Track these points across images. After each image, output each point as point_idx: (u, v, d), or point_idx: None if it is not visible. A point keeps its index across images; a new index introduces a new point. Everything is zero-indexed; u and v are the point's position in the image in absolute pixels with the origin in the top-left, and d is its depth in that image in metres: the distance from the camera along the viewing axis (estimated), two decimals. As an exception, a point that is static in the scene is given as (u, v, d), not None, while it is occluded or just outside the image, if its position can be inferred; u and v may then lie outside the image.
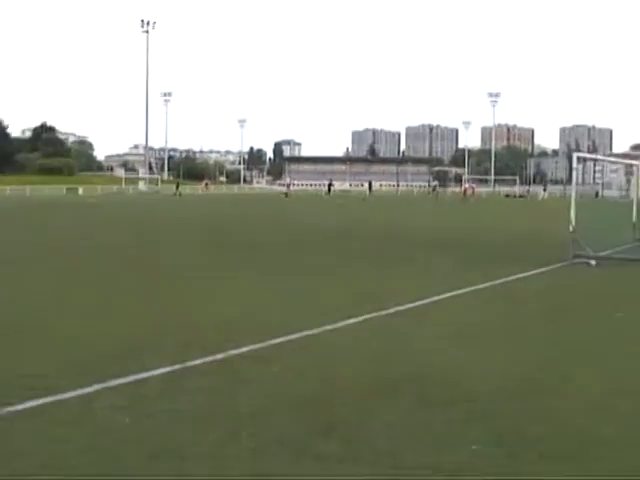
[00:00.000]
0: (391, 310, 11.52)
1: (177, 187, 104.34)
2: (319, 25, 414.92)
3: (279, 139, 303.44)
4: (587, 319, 11.63)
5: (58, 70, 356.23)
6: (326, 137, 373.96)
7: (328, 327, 10.14)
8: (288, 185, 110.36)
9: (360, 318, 10.80)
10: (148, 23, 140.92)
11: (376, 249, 23.03)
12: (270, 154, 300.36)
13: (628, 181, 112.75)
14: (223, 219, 40.24)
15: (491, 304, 12.81)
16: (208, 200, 76.02)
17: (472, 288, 14.10)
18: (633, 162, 28.63)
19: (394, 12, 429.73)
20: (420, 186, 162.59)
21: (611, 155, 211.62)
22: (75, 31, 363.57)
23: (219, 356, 8.44)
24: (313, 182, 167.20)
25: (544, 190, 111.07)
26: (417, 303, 12.28)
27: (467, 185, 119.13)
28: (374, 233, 29.93)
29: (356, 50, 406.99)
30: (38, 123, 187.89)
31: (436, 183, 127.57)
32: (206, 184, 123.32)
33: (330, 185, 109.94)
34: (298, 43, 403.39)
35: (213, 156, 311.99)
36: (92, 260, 18.92)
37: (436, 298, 12.83)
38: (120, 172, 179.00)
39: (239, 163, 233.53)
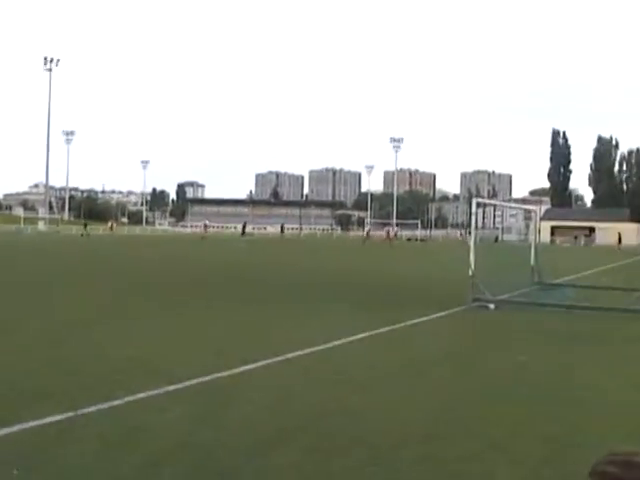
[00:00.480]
0: (288, 355, 11.32)
1: (85, 227, 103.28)
2: (220, 67, 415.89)
3: (182, 180, 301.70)
4: (489, 363, 11.61)
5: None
6: (230, 179, 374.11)
7: (224, 373, 9.92)
8: (205, 227, 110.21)
9: (258, 364, 10.59)
10: (52, 60, 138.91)
11: (280, 292, 22.72)
12: (173, 195, 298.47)
13: (527, 226, 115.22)
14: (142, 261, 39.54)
15: (390, 349, 12.67)
16: (115, 241, 74.75)
17: (371, 333, 13.96)
18: (531, 207, 29.17)
19: (296, 57, 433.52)
20: (323, 229, 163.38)
21: (510, 200, 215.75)
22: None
23: (115, 403, 8.18)
24: (224, 224, 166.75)
25: (461, 235, 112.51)
26: (315, 348, 12.09)
27: (392, 229, 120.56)
28: (282, 276, 29.69)
29: (259, 93, 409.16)
30: None
31: (369, 228, 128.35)
32: (111, 225, 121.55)
33: (244, 227, 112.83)
34: (200, 84, 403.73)
35: (115, 196, 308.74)
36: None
37: (336, 343, 12.66)
38: (19, 211, 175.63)
39: (141, 204, 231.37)
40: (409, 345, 13.16)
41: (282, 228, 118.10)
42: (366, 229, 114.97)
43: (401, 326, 15.08)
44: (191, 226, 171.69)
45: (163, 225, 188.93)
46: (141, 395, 8.58)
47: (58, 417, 7.56)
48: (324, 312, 17.54)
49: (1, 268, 31.46)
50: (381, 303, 19.86)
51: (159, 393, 8.75)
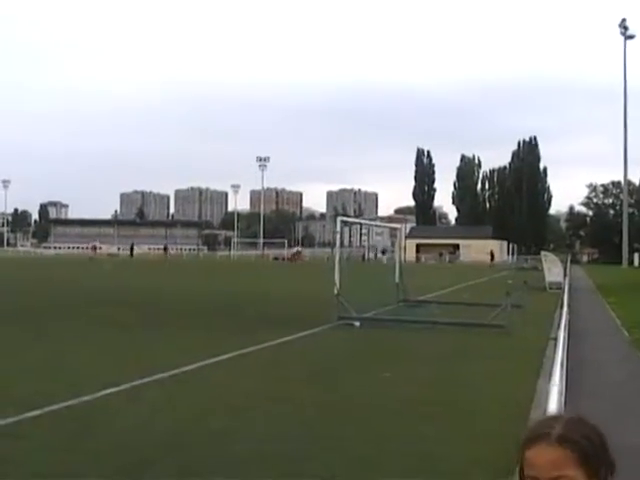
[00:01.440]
0: (151, 378, 11.05)
1: None
2: (79, 80, 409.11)
3: (45, 201, 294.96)
4: (354, 381, 11.56)
5: None
6: (94, 199, 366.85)
7: (85, 398, 9.63)
8: (95, 248, 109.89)
9: (120, 387, 10.32)
10: None
11: (146, 316, 22.14)
12: (35, 216, 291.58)
13: (393, 244, 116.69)
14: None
15: (256, 370, 12.49)
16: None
17: (238, 352, 13.80)
18: (395, 225, 29.30)
19: (159, 72, 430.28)
20: (190, 249, 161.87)
21: (376, 219, 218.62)
22: None
23: None
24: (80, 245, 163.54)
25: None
26: (178, 370, 11.82)
27: (295, 249, 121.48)
28: (147, 298, 29.06)
29: (122, 109, 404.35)
30: None
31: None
32: None
33: (132, 248, 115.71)
34: (61, 100, 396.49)
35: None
36: None
37: (200, 364, 12.45)
38: None
39: (2, 225, 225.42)
40: (274, 365, 12.99)
41: (131, 248, 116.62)
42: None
43: (267, 345, 14.94)
44: (54, 247, 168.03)
45: (25, 246, 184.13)
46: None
47: None
48: (188, 334, 17.22)
49: None
50: (248, 323, 19.67)
51: (17, 420, 8.45)
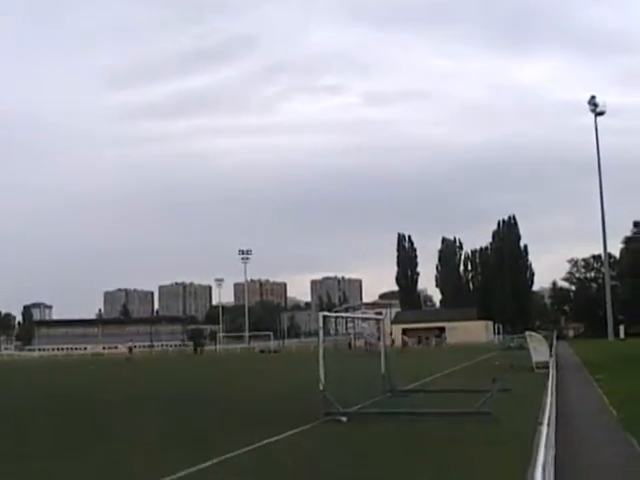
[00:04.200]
0: None
1: None
2: (62, 181, 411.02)
3: (28, 302, 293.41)
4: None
5: None
6: (77, 299, 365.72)
7: None
8: (130, 349, 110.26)
9: None
10: None
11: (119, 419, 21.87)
12: (19, 318, 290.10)
13: (379, 329, 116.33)
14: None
15: (237, 477, 12.13)
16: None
17: (220, 458, 13.40)
18: (379, 317, 29.23)
19: (139, 172, 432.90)
20: (176, 345, 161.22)
21: (361, 305, 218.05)
22: None
23: None
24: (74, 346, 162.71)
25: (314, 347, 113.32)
26: None
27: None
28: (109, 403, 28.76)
29: (103, 209, 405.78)
30: None
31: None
32: None
33: (131, 349, 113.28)
34: (41, 201, 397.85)
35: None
36: None
37: (180, 474, 11.96)
38: None
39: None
40: (257, 472, 12.64)
41: (130, 349, 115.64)
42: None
43: (249, 449, 14.50)
44: (39, 349, 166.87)
45: (10, 349, 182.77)
46: None
47: None
48: (151, 440, 16.71)
49: None
50: (230, 423, 19.34)
51: None
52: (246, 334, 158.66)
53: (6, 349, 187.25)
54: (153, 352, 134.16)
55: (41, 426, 20.39)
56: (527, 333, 42.33)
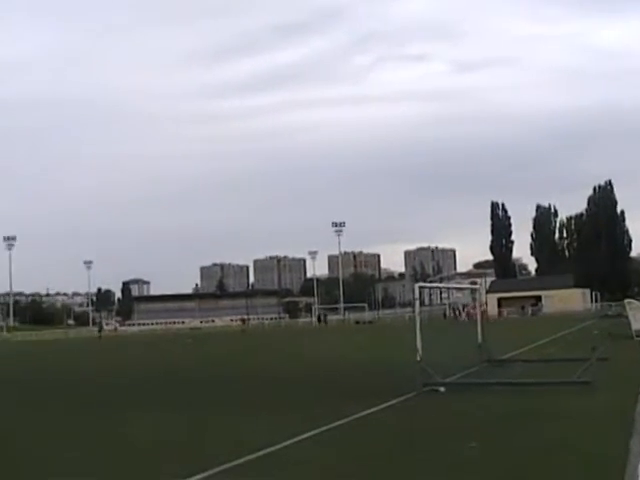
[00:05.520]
0: (227, 465, 10.82)
1: (100, 329, 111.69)
2: (154, 161, 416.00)
3: (127, 279, 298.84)
4: (439, 452, 11.38)
5: None
6: (174, 274, 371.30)
7: None
8: (243, 320, 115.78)
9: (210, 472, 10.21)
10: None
11: (217, 393, 22.23)
12: (118, 294, 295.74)
13: (474, 299, 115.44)
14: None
15: (341, 446, 12.33)
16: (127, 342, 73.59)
17: (320, 430, 13.57)
18: (475, 286, 29.13)
19: (231, 150, 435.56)
20: (271, 318, 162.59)
21: (455, 275, 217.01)
22: None
23: None
24: (172, 320, 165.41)
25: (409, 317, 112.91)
26: (257, 454, 11.55)
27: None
28: (219, 372, 29.21)
29: (199, 184, 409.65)
30: None
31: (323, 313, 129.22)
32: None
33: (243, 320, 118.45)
34: (140, 180, 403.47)
35: (60, 299, 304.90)
36: None
37: (279, 445, 12.17)
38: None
39: (87, 305, 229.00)
40: (360, 440, 12.78)
41: (244, 321, 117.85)
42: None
43: (351, 420, 14.69)
44: (138, 324, 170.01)
45: (110, 325, 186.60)
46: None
47: None
48: (265, 409, 17.14)
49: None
50: (328, 394, 19.52)
51: None
52: (341, 306, 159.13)
53: (107, 325, 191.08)
54: (249, 325, 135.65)
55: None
56: (626, 301, 41.75)
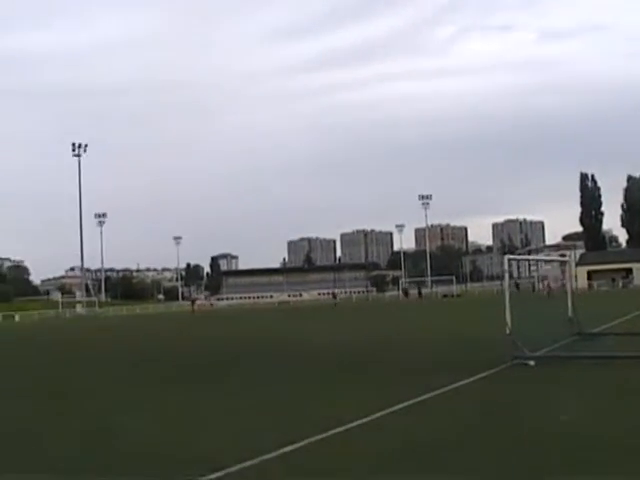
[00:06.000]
0: (326, 433, 11.04)
1: (193, 303, 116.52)
2: (242, 137, 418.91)
3: (215, 253, 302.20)
4: (529, 425, 11.33)
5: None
6: (262, 249, 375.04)
7: (267, 456, 9.70)
8: (334, 294, 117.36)
9: (299, 444, 10.33)
10: (80, 146, 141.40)
11: (310, 365, 22.40)
12: (207, 269, 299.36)
13: (563, 272, 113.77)
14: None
15: (435, 417, 12.40)
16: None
17: (413, 401, 13.63)
18: (564, 259, 28.82)
19: (317, 125, 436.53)
20: (358, 291, 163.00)
21: (544, 247, 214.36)
22: (6, 155, 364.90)
23: None
24: (260, 294, 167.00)
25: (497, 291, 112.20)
26: (354, 423, 11.72)
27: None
28: (310, 345, 29.41)
29: (286, 159, 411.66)
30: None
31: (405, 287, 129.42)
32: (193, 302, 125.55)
33: (334, 294, 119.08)
34: (227, 156, 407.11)
35: (150, 274, 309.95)
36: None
37: (375, 415, 12.29)
38: (57, 296, 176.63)
39: (176, 280, 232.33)
40: (450, 412, 12.85)
41: (334, 295, 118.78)
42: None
43: (442, 392, 14.73)
44: (227, 298, 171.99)
45: (200, 299, 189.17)
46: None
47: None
48: (358, 382, 17.31)
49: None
50: (418, 367, 19.60)
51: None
52: (428, 279, 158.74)
53: (205, 298, 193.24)
54: (353, 298, 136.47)
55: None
56: None
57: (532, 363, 18.48)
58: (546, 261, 71.74)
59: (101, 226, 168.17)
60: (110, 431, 12.36)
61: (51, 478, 9.39)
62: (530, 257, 73.59)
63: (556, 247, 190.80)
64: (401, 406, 13.18)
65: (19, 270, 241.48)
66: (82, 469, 9.73)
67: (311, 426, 11.56)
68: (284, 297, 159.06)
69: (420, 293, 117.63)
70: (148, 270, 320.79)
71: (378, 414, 12.44)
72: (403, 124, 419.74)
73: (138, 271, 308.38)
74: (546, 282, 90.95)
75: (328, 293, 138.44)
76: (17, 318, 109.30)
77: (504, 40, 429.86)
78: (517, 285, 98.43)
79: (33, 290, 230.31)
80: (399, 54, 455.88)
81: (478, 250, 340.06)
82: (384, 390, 15.59)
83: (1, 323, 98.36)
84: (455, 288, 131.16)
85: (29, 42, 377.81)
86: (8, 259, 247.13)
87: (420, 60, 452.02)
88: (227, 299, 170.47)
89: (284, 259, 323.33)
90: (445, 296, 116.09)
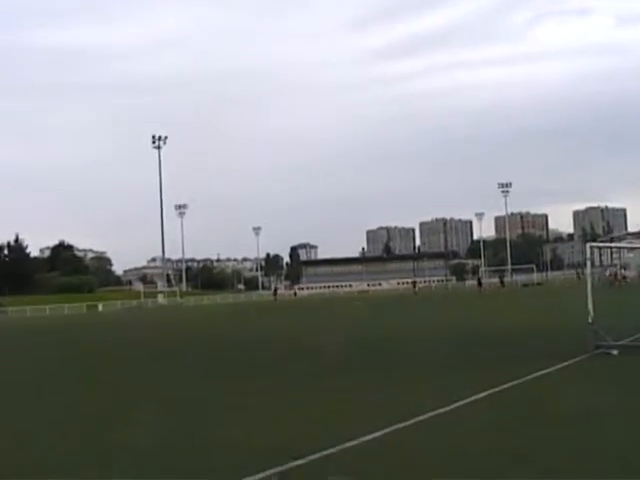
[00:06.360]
0: (411, 421, 11.06)
1: (275, 292, 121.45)
2: (321, 128, 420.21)
3: (295, 243, 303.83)
4: (614, 413, 11.22)
5: (73, 188, 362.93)
6: (341, 238, 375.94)
7: (348, 444, 9.71)
8: (414, 283, 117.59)
9: (381, 432, 10.35)
10: (160, 138, 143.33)
11: (387, 355, 22.48)
12: (287, 259, 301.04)
13: None
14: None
15: (518, 407, 12.31)
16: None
17: (494, 390, 13.58)
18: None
19: (394, 114, 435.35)
20: (438, 280, 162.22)
21: (627, 234, 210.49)
22: (88, 149, 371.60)
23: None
24: (338, 284, 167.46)
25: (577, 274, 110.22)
26: (437, 411, 11.75)
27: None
28: (384, 335, 29.45)
29: (365, 149, 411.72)
30: (56, 241, 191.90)
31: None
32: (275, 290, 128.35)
33: (414, 283, 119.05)
34: (305, 148, 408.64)
35: (230, 264, 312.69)
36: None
37: (451, 407, 12.23)
38: (139, 286, 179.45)
39: (256, 270, 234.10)
40: (532, 401, 12.73)
41: (414, 284, 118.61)
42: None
43: (523, 381, 14.61)
44: (307, 288, 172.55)
45: (280, 289, 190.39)
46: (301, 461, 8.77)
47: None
48: (438, 371, 17.29)
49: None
50: (501, 357, 19.43)
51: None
52: (508, 267, 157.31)
53: (277, 288, 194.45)
54: (433, 287, 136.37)
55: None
56: None
57: (615, 352, 18.26)
58: (629, 248, 70.35)
59: (181, 217, 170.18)
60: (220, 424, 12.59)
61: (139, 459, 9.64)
62: (612, 245, 72.25)
63: (639, 235, 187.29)
64: (482, 395, 13.11)
65: (102, 261, 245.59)
66: (166, 456, 9.96)
67: (389, 417, 11.50)
68: (363, 286, 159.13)
69: (502, 282, 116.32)
70: (228, 260, 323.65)
71: (457, 404, 12.39)
72: (481, 111, 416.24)
73: (218, 261, 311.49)
74: (611, 271, 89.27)
75: (407, 282, 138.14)
76: (100, 308, 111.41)
77: (580, 25, 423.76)
78: (602, 271, 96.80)
79: (115, 280, 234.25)
80: (475, 40, 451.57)
81: (559, 238, 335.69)
82: (464, 380, 15.41)
83: (85, 313, 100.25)
84: (535, 276, 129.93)
85: (103, 37, 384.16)
86: (91, 250, 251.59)
87: (495, 46, 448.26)
88: (307, 288, 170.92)
89: (363, 248, 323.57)
90: (525, 285, 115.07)
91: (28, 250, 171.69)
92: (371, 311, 56.60)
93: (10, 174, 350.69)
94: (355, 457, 9.27)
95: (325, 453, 9.32)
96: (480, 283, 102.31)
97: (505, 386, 14.01)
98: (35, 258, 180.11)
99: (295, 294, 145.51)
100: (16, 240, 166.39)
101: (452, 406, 12.23)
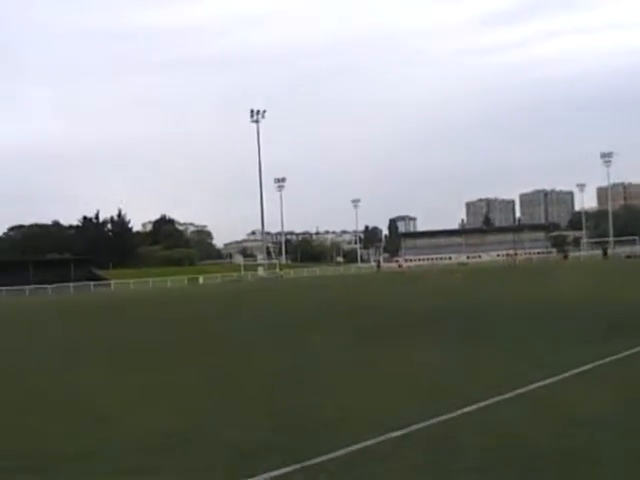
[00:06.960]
0: (507, 395, 11.01)
1: (379, 265, 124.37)
2: (425, 102, 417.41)
3: (393, 215, 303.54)
4: None
5: (174, 162, 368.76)
6: (440, 210, 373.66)
7: (446, 416, 9.74)
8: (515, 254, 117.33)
9: (479, 405, 10.34)
10: (258, 112, 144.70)
11: (489, 327, 22.11)
12: (385, 231, 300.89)
13: None
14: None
15: (614, 382, 12.08)
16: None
17: (592, 365, 13.36)
18: None
19: (492, 84, 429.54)
20: (539, 252, 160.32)
21: None
22: (187, 124, 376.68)
23: (338, 453, 8.24)
24: (438, 256, 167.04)
25: None
26: (532, 386, 11.58)
27: None
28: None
29: (463, 120, 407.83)
30: (158, 215, 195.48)
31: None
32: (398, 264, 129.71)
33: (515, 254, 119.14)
34: (403, 121, 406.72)
35: (329, 237, 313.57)
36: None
37: (554, 379, 12.12)
38: (239, 259, 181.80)
39: (355, 242, 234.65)
40: (631, 377, 12.47)
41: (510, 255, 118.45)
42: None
43: (622, 356, 14.27)
44: (406, 260, 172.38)
45: (381, 261, 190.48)
46: (364, 444, 8.56)
47: (285, 470, 7.70)
48: (532, 345, 17.04)
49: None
50: (592, 332, 18.87)
51: (382, 441, 8.70)
52: (610, 239, 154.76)
53: (375, 261, 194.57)
54: (533, 259, 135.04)
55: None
56: None
57: None
58: None
59: (280, 191, 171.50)
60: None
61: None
62: None
63: None
64: (581, 369, 12.94)
65: (202, 234, 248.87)
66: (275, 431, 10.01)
67: (491, 388, 11.52)
68: (463, 258, 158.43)
69: (605, 253, 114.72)
70: (327, 233, 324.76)
71: (556, 378, 12.23)
72: (584, 80, 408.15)
73: (317, 234, 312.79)
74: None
75: (507, 254, 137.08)
76: (201, 280, 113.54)
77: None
78: None
79: (216, 253, 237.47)
80: (571, 10, 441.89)
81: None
82: (562, 354, 15.19)
83: (187, 285, 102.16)
84: (639, 248, 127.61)
85: (205, 15, 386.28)
86: (192, 224, 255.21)
87: (593, 14, 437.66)
88: (407, 260, 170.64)
89: (462, 220, 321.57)
90: (629, 257, 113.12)
91: (130, 225, 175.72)
92: (490, 281, 56.49)
93: (113, 150, 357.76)
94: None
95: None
96: (566, 256, 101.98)
97: (604, 360, 13.78)
98: (137, 232, 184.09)
99: (400, 266, 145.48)
100: (119, 215, 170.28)
101: (548, 381, 12.06)
